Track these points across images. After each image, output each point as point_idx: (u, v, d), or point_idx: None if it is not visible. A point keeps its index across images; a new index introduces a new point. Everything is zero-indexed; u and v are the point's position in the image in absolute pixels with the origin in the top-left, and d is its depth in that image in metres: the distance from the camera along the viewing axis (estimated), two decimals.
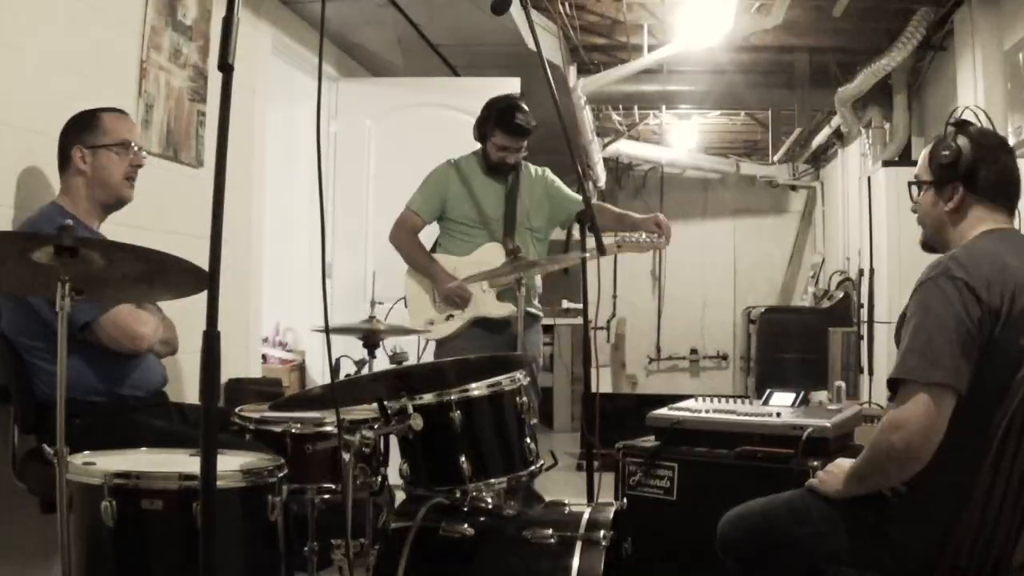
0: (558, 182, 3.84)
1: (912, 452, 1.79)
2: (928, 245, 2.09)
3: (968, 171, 1.96)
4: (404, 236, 3.74)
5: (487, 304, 3.61)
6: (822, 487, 2.01)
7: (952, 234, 2.00)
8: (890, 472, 1.86)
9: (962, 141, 1.98)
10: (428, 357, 3.62)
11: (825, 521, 1.98)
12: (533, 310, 3.74)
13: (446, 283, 3.59)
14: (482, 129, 3.68)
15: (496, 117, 3.60)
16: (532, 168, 3.83)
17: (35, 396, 2.40)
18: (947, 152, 1.98)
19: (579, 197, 3.65)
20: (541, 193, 3.77)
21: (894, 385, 1.85)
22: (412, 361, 2.45)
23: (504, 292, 3.59)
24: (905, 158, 6.34)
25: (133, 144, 2.58)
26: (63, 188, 2.55)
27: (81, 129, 2.53)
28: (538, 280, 3.80)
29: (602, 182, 9.19)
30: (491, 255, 3.60)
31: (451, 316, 3.61)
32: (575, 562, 2.03)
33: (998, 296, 1.81)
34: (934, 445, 1.78)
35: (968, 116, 2.06)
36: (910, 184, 2.10)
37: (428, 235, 3.83)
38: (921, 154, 2.10)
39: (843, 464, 2.01)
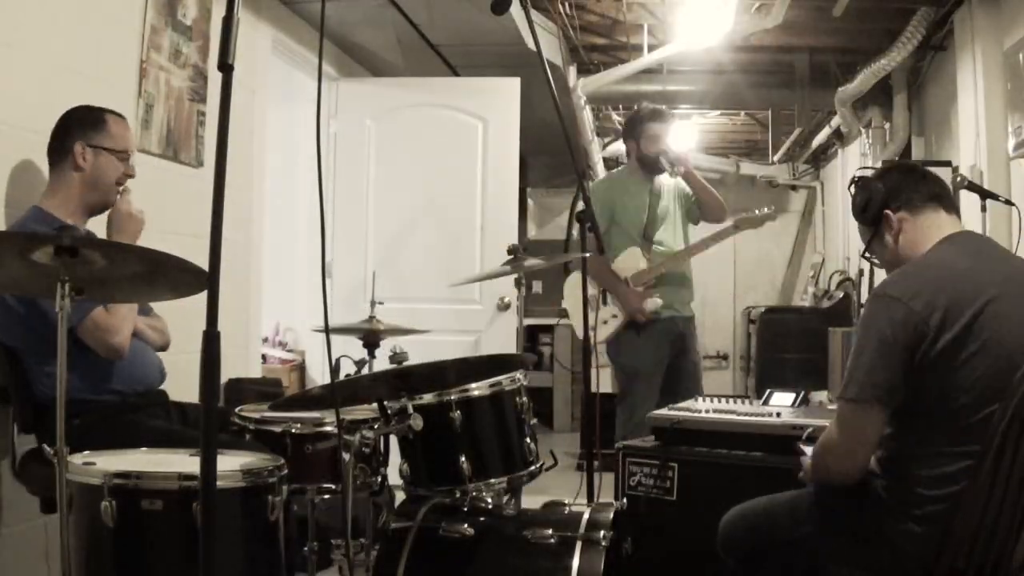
0: (685, 189, 4.15)
1: (844, 471, 1.92)
2: None
3: (889, 195, 2.03)
4: (594, 264, 3.90)
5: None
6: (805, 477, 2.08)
7: (910, 254, 2.01)
8: (835, 483, 1.96)
9: (867, 184, 2.08)
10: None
11: (826, 520, 1.98)
12: (688, 309, 4.10)
13: (634, 304, 3.93)
14: (632, 133, 4.11)
15: (640, 117, 4.10)
16: (665, 178, 4.16)
17: (34, 396, 2.40)
18: (860, 198, 2.08)
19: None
20: (675, 196, 4.12)
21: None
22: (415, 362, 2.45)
23: (656, 286, 3.94)
24: (905, 158, 6.34)
25: (131, 155, 2.59)
26: (51, 185, 2.52)
27: (86, 125, 2.51)
28: (688, 275, 4.13)
29: None
30: (633, 259, 3.98)
31: (606, 321, 3.94)
32: (575, 562, 2.03)
33: (942, 305, 1.82)
34: (864, 458, 1.89)
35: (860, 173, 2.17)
36: (867, 259, 2.15)
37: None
38: (859, 230, 2.16)
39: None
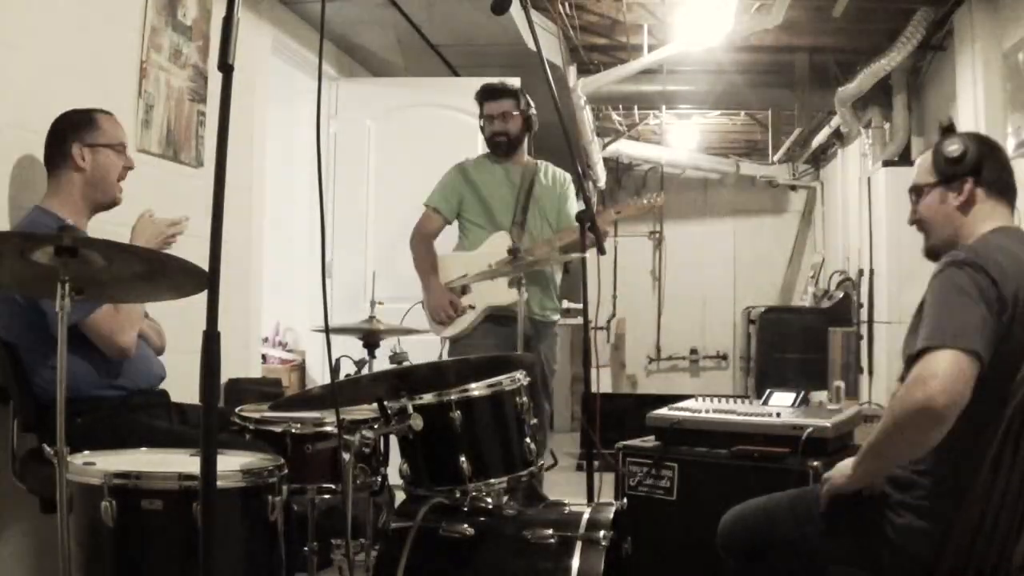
0: (569, 193, 3.86)
1: (937, 409, 1.67)
2: (933, 251, 2.05)
3: (975, 166, 1.97)
4: (418, 242, 3.80)
5: (496, 293, 3.60)
6: (834, 485, 1.98)
7: (962, 230, 1.98)
8: (910, 436, 1.75)
9: (966, 139, 2.00)
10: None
11: (827, 520, 1.98)
12: (548, 314, 3.76)
13: (436, 299, 3.64)
14: (479, 118, 3.81)
15: (477, 93, 3.81)
16: (554, 171, 3.89)
17: (34, 394, 2.40)
18: (955, 147, 1.99)
19: (571, 217, 3.70)
20: (552, 190, 3.82)
21: (915, 360, 1.76)
22: (415, 361, 2.45)
23: (514, 280, 3.57)
24: (905, 158, 6.33)
25: (126, 147, 2.60)
26: (52, 188, 2.53)
27: (79, 127, 2.52)
28: (556, 278, 3.82)
29: (602, 182, 9.20)
30: (499, 244, 3.62)
31: (464, 311, 3.64)
32: (575, 562, 2.03)
33: (1011, 288, 1.80)
34: (958, 407, 1.68)
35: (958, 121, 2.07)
36: (911, 191, 2.09)
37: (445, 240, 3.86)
38: (919, 162, 2.10)
39: (849, 463, 1.99)
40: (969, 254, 1.85)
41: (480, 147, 4.62)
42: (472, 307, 3.64)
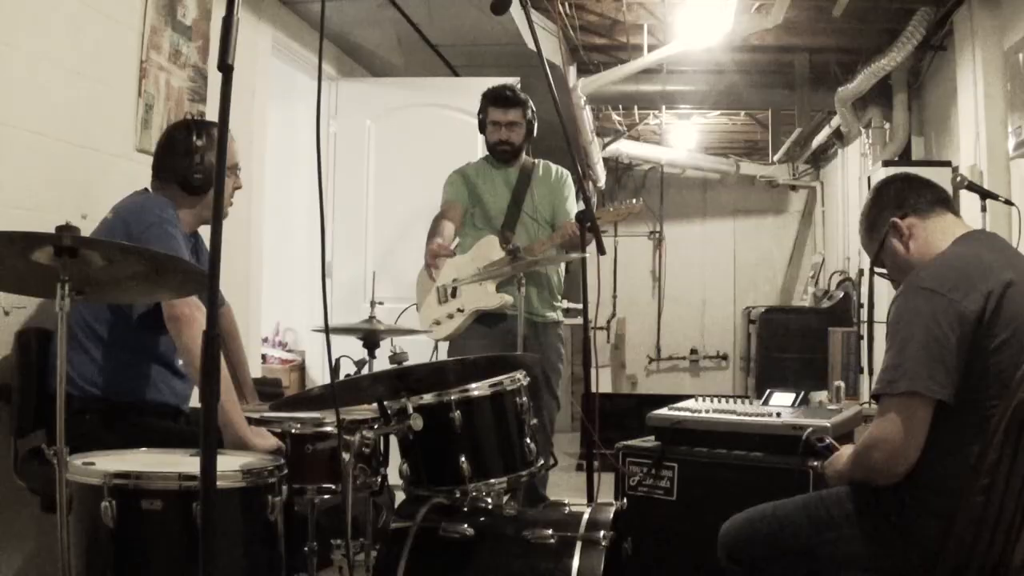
0: (567, 191, 3.83)
1: (892, 468, 1.84)
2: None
3: (897, 203, 2.04)
4: (434, 222, 3.75)
5: (484, 296, 3.61)
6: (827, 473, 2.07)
7: (922, 259, 2.00)
8: (878, 481, 1.90)
9: (871, 194, 2.11)
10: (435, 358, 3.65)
11: (847, 526, 1.97)
12: (547, 314, 3.72)
13: (428, 248, 3.58)
14: (480, 119, 3.79)
15: (485, 96, 3.76)
16: (553, 168, 3.87)
17: (48, 391, 2.40)
18: (866, 207, 2.10)
19: (571, 215, 3.71)
20: (547, 194, 3.78)
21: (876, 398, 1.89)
22: (415, 362, 2.45)
23: (502, 283, 3.59)
24: (905, 158, 6.34)
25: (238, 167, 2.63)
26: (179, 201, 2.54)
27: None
28: (555, 278, 3.79)
29: (602, 182, 9.20)
30: (488, 248, 3.63)
31: (452, 315, 3.62)
32: (575, 562, 2.03)
33: (975, 298, 1.82)
34: (913, 455, 1.82)
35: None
36: (877, 274, 2.15)
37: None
38: (862, 243, 2.16)
39: (845, 454, 2.04)
40: (919, 276, 1.91)
41: (480, 148, 4.62)
42: (461, 310, 3.63)
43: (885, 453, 1.84)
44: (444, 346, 3.71)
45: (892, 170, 6.01)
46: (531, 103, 3.77)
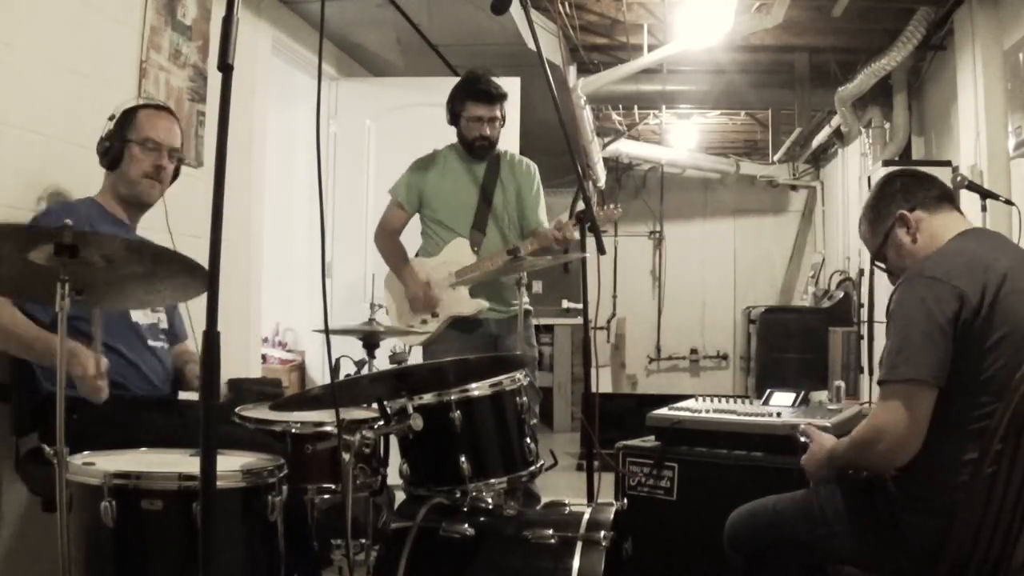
0: (536, 189, 3.71)
1: (893, 458, 1.86)
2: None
3: (905, 196, 2.06)
4: (384, 238, 3.72)
5: (458, 303, 3.57)
6: (810, 466, 2.11)
7: (924, 254, 2.01)
8: (873, 471, 1.94)
9: (875, 187, 2.13)
10: (416, 360, 3.62)
11: (839, 522, 1.98)
12: (512, 309, 3.58)
13: (413, 289, 3.57)
14: (452, 110, 3.64)
15: (463, 88, 3.62)
16: (520, 160, 3.75)
17: (39, 392, 2.39)
18: (872, 200, 2.12)
19: (543, 219, 3.64)
20: (514, 187, 3.67)
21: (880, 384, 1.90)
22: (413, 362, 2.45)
23: (475, 289, 3.55)
24: (905, 158, 6.34)
25: (162, 143, 2.57)
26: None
27: (123, 123, 2.55)
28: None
29: (602, 182, 9.19)
30: (458, 252, 3.58)
31: (426, 320, 3.58)
32: (575, 562, 2.03)
33: (976, 289, 1.83)
34: (915, 445, 1.82)
35: None
36: (878, 268, 2.14)
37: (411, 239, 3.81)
38: (863, 241, 2.17)
39: (824, 443, 2.07)
40: (924, 265, 1.93)
41: None
42: (435, 315, 3.59)
43: (888, 443, 1.83)
44: (417, 352, 3.63)
45: (892, 170, 6.03)
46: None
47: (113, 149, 2.53)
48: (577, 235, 3.40)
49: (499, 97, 3.60)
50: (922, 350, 1.81)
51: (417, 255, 3.74)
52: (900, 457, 1.84)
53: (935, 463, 1.84)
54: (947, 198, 2.07)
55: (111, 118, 2.56)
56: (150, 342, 2.55)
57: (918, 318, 1.84)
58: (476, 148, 3.61)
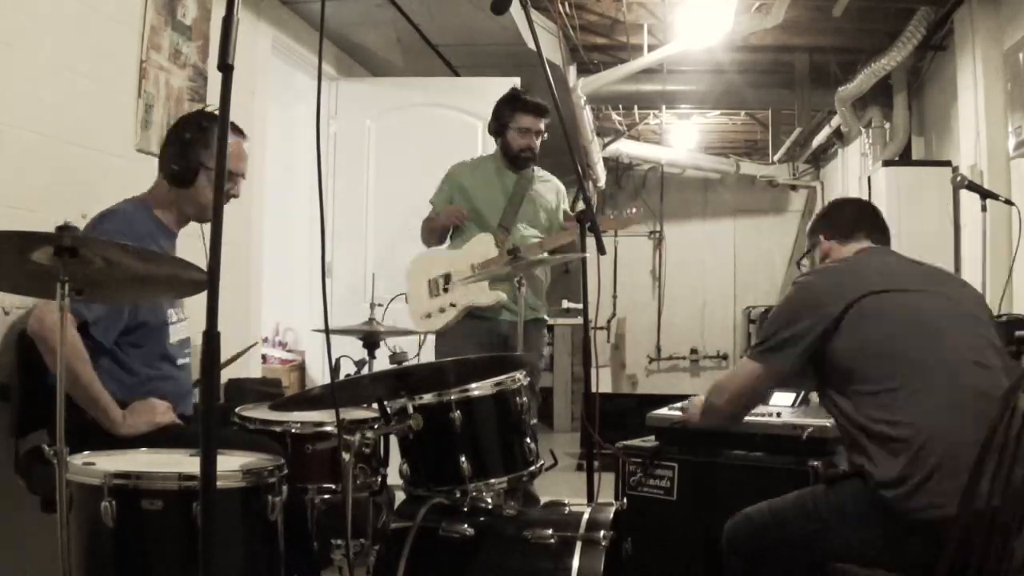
0: (564, 204, 3.88)
1: (733, 413, 2.28)
2: None
3: (816, 229, 2.39)
4: (423, 227, 3.82)
5: (477, 293, 3.63)
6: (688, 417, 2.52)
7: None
8: (714, 424, 2.40)
9: (819, 213, 2.48)
10: (427, 351, 3.67)
11: (833, 516, 2.00)
12: (535, 313, 3.76)
13: (448, 211, 3.68)
14: (500, 121, 3.77)
15: (512, 102, 3.74)
16: (550, 179, 3.89)
17: (48, 390, 2.38)
18: (814, 221, 2.45)
19: (561, 220, 3.79)
20: (541, 201, 3.81)
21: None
22: (412, 358, 2.45)
23: (495, 280, 3.61)
24: (905, 158, 6.34)
25: (237, 173, 2.52)
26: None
27: (198, 143, 2.44)
28: (543, 277, 3.82)
29: (602, 182, 9.20)
30: (482, 245, 3.65)
31: (444, 310, 3.65)
32: (575, 562, 2.03)
33: (840, 300, 2.06)
34: (745, 409, 2.29)
35: None
36: (798, 265, 2.35)
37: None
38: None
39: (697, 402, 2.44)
40: (804, 275, 2.25)
41: (481, 147, 4.63)
42: (453, 305, 3.65)
43: (726, 397, 2.24)
44: (430, 340, 3.74)
45: (892, 170, 6.04)
46: None
47: (187, 172, 2.44)
48: (561, 240, 3.60)
49: (547, 111, 3.72)
50: (784, 342, 2.10)
51: (446, 247, 3.83)
52: (734, 411, 2.27)
53: (885, 435, 1.93)
54: (859, 224, 2.33)
55: (177, 127, 2.48)
56: (179, 361, 2.51)
57: (781, 316, 2.16)
58: (521, 159, 3.74)
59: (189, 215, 2.54)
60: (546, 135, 3.76)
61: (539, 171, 3.87)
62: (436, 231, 3.79)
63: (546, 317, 3.86)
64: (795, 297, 2.18)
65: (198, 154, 2.43)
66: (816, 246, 2.39)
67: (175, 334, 2.48)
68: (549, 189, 3.85)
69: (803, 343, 2.08)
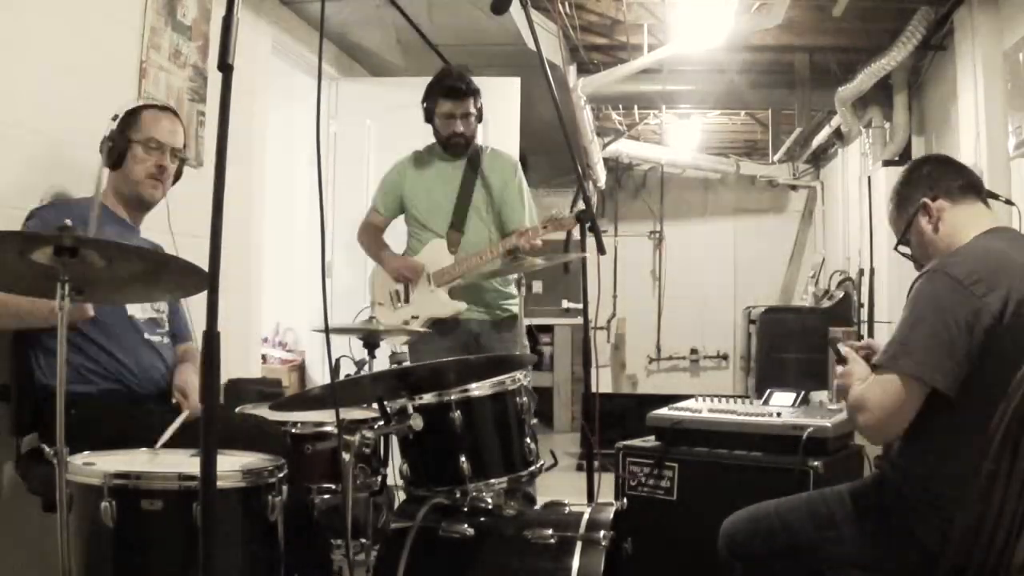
0: (516, 184, 3.66)
1: (873, 435, 1.93)
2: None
3: (930, 183, 2.03)
4: (363, 233, 3.75)
5: (437, 304, 3.55)
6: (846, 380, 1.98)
7: (949, 244, 1.99)
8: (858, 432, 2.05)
9: (904, 172, 2.12)
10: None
11: (847, 525, 1.97)
12: (498, 313, 3.60)
13: (392, 266, 3.58)
14: (427, 108, 3.63)
15: (434, 85, 3.60)
16: (501, 154, 3.72)
17: (36, 391, 2.39)
18: (897, 185, 2.10)
19: (526, 217, 3.58)
20: (496, 183, 3.63)
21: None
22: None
23: (455, 291, 3.53)
24: (905, 158, 6.33)
25: (164, 143, 2.57)
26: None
27: (126, 122, 2.54)
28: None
29: (602, 182, 9.19)
30: (434, 253, 3.56)
31: (407, 322, 3.54)
32: (575, 562, 2.03)
33: (998, 293, 1.81)
34: (894, 432, 1.88)
35: None
36: (901, 252, 2.13)
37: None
38: (889, 220, 2.15)
39: (856, 373, 1.97)
40: (946, 261, 1.90)
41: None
42: (415, 317, 3.56)
43: (866, 419, 1.87)
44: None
45: (893, 170, 6.04)
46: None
47: (116, 149, 2.52)
48: (540, 242, 3.39)
49: (470, 92, 3.56)
50: (926, 349, 1.80)
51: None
52: (874, 437, 1.93)
53: (945, 469, 1.83)
54: (973, 188, 2.04)
55: (114, 118, 2.55)
56: (147, 336, 2.54)
57: (928, 314, 1.83)
58: (451, 145, 3.59)
59: (128, 197, 2.59)
60: (478, 114, 3.56)
61: (490, 149, 3.70)
62: (373, 254, 3.70)
63: (518, 312, 3.35)
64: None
65: (126, 132, 2.52)
66: (918, 212, 2.04)
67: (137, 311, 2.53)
68: (497, 167, 3.64)
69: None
